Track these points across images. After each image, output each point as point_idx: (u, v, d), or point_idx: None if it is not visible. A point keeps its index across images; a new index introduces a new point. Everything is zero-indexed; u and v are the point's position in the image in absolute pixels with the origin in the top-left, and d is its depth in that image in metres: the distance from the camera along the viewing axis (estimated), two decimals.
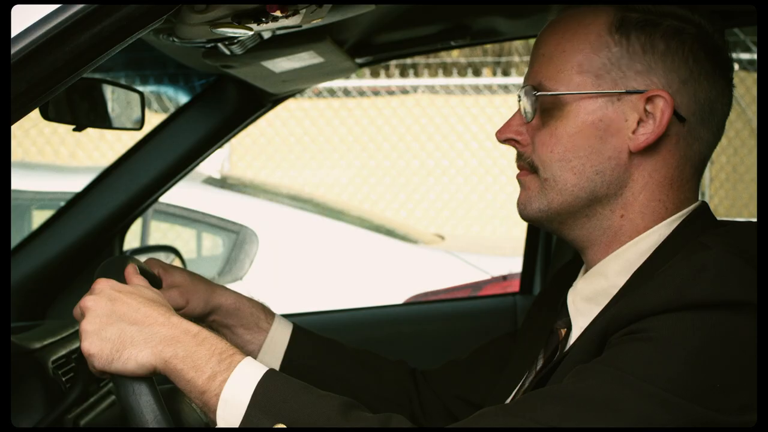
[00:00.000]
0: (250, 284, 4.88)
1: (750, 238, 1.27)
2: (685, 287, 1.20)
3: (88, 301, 1.27)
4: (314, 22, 1.39)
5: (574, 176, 1.36)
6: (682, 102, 1.34)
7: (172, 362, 1.24)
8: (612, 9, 1.36)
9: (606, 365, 1.19)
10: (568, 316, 1.40)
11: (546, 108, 1.37)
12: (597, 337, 1.26)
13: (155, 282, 1.56)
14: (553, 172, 1.37)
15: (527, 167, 1.41)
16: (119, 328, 1.25)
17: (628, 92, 1.34)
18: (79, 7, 1.10)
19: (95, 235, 2.40)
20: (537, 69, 1.40)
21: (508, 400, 1.43)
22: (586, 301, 1.38)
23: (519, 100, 1.41)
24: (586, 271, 1.42)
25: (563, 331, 1.40)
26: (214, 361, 1.25)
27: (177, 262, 2.63)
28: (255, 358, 1.49)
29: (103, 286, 1.29)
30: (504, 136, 1.42)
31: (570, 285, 1.44)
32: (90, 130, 1.98)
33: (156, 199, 2.47)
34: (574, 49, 1.36)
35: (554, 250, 2.79)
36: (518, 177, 1.43)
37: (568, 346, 1.37)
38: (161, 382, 1.36)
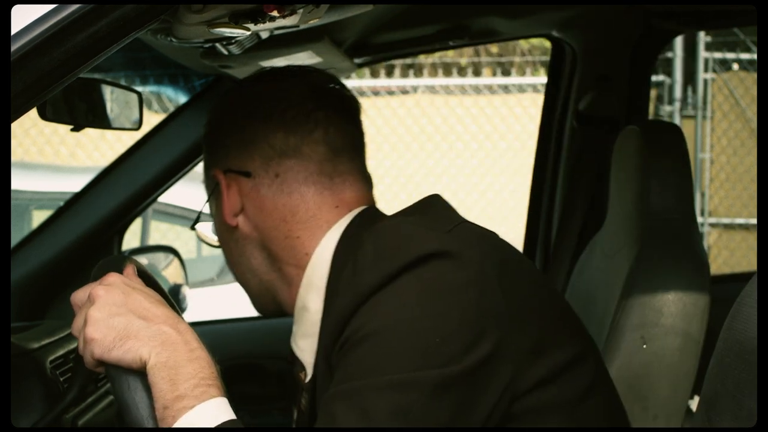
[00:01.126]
0: None
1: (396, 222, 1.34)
2: (360, 276, 1.24)
3: (100, 290, 1.27)
4: (312, 22, 1.39)
5: (235, 269, 1.55)
6: (241, 159, 1.47)
7: (158, 367, 1.24)
8: None
9: (339, 384, 1.21)
10: (300, 359, 1.45)
11: None
12: (323, 366, 1.31)
13: (153, 285, 1.56)
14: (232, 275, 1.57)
15: None
16: (127, 319, 1.25)
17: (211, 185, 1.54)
18: (75, 6, 1.10)
19: (94, 235, 2.41)
20: None
21: None
22: (304, 337, 1.43)
23: None
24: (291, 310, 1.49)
25: (303, 374, 1.45)
26: (191, 383, 1.23)
27: (176, 262, 2.63)
28: None
29: (116, 279, 1.30)
30: None
31: None
32: (90, 130, 1.98)
33: (155, 199, 2.47)
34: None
35: (553, 250, 2.79)
36: None
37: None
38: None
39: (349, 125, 1.52)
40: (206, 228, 1.56)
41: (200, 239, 1.60)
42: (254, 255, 1.48)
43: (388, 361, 1.18)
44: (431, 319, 1.19)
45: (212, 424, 1.21)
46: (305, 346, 1.43)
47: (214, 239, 1.56)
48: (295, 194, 1.44)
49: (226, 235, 1.51)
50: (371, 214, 1.45)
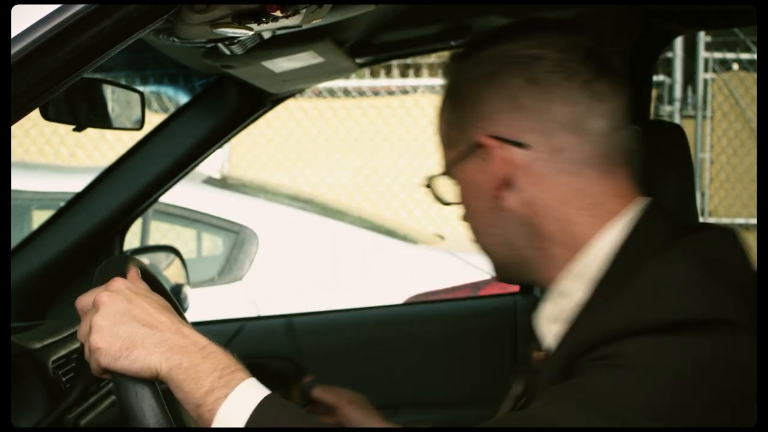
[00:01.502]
0: (250, 284, 4.88)
1: (720, 246, 1.27)
2: (649, 307, 1.18)
3: (104, 297, 1.27)
4: (314, 22, 1.39)
5: (486, 239, 1.40)
6: (515, 128, 1.32)
7: (175, 371, 1.24)
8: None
9: (578, 390, 1.17)
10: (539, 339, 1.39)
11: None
12: (563, 361, 1.25)
13: (157, 286, 1.56)
14: (475, 239, 1.43)
15: None
16: (132, 327, 1.25)
17: (467, 146, 1.36)
18: (79, 7, 1.10)
19: (95, 235, 2.41)
20: None
21: None
22: (552, 321, 1.36)
23: None
24: (546, 286, 1.40)
25: (540, 354, 1.39)
26: (215, 376, 1.23)
27: (177, 262, 2.63)
28: None
29: (121, 285, 1.29)
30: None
31: None
32: (90, 130, 1.98)
33: (156, 199, 2.47)
34: (442, 117, 1.43)
35: None
36: None
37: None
38: (161, 382, 1.36)
39: (623, 94, 1.37)
40: (443, 184, 1.41)
41: (432, 194, 1.43)
42: (515, 230, 1.34)
43: (638, 403, 1.14)
44: (697, 388, 1.15)
45: (253, 406, 1.21)
46: (551, 330, 1.34)
47: (448, 198, 1.42)
48: (580, 176, 1.31)
49: (481, 204, 1.36)
50: (663, 215, 1.35)
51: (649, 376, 1.15)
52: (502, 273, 1.42)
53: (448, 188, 1.40)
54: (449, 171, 1.40)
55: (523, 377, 1.42)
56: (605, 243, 1.31)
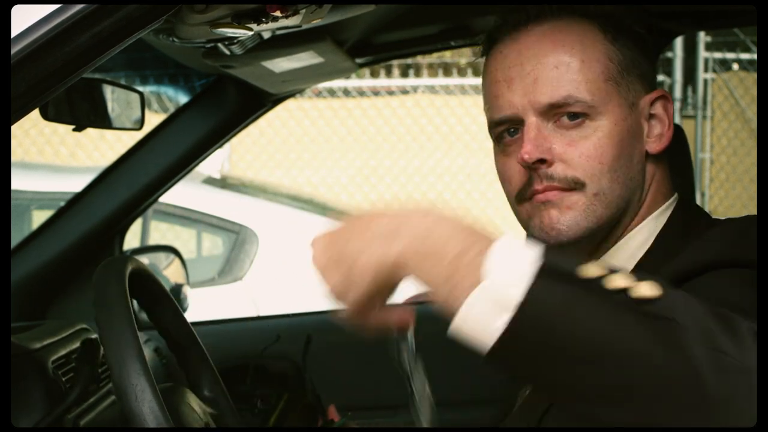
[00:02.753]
0: (250, 284, 4.88)
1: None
2: (736, 246, 1.21)
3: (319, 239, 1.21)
4: (314, 22, 1.39)
5: (620, 186, 1.36)
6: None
7: (408, 252, 1.05)
8: (595, 19, 1.39)
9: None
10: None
11: (581, 120, 1.35)
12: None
13: (155, 285, 1.56)
14: (602, 186, 1.34)
15: (563, 185, 1.35)
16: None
17: (637, 96, 1.39)
18: (79, 7, 1.10)
19: (95, 235, 2.41)
20: (556, 80, 1.36)
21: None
22: (628, 259, 1.39)
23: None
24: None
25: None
26: (460, 237, 1.01)
27: (177, 262, 2.63)
28: None
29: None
30: (536, 157, 1.35)
31: None
32: (90, 130, 1.98)
33: (156, 199, 2.47)
34: (593, 59, 1.36)
35: None
36: (549, 198, 1.36)
37: None
38: (160, 381, 1.36)
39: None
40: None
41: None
42: (636, 191, 1.39)
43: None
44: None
45: (534, 251, 0.98)
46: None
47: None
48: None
49: (631, 151, 1.38)
50: (691, 203, 1.48)
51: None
52: (599, 230, 1.37)
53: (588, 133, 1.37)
54: (593, 117, 1.36)
55: None
56: (644, 232, 1.39)
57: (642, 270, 1.33)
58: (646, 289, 0.95)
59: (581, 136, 1.35)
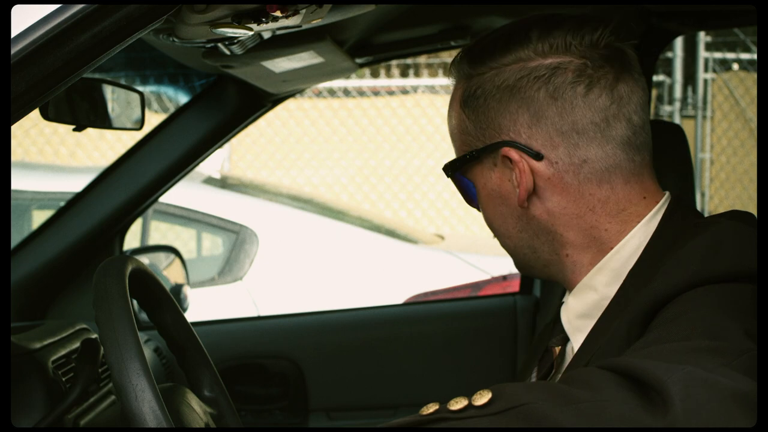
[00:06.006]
0: (250, 284, 4.88)
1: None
2: (708, 262, 1.18)
3: None
4: (314, 22, 1.39)
5: (509, 240, 1.39)
6: (541, 142, 1.31)
7: None
8: (463, 82, 1.38)
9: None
10: (563, 333, 1.39)
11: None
12: (612, 348, 1.23)
13: (155, 285, 1.56)
14: (498, 241, 1.42)
15: None
16: None
17: (494, 157, 1.35)
18: (79, 7, 1.10)
19: (95, 235, 2.41)
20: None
21: None
22: (581, 317, 1.35)
23: None
24: (571, 289, 1.39)
25: (557, 349, 1.39)
26: None
27: (177, 262, 2.63)
28: None
29: None
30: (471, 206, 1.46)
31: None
32: (90, 130, 1.98)
33: (156, 199, 2.47)
34: (453, 132, 1.41)
35: None
36: None
37: (564, 361, 1.37)
38: (160, 381, 1.36)
39: (642, 93, 1.34)
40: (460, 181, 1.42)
41: (458, 190, 1.45)
42: (538, 236, 1.35)
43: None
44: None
45: None
46: (581, 325, 1.34)
47: (469, 197, 1.43)
48: (606, 185, 1.31)
49: (503, 209, 1.37)
50: (684, 207, 1.35)
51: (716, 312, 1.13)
52: (525, 271, 1.43)
53: (464, 186, 1.41)
54: (465, 172, 1.40)
55: (540, 371, 1.41)
56: (634, 242, 1.32)
57: (634, 278, 1.30)
58: (481, 397, 1.05)
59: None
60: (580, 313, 1.36)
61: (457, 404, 1.06)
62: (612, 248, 1.33)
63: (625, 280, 1.31)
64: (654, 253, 1.30)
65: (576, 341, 1.35)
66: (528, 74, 1.31)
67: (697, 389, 1.00)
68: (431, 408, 1.07)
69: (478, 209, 1.42)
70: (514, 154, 1.32)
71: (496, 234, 1.41)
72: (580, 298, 1.36)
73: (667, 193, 1.37)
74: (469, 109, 1.36)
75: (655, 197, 1.35)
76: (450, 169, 1.40)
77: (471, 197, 1.41)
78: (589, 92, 1.30)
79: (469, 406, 1.05)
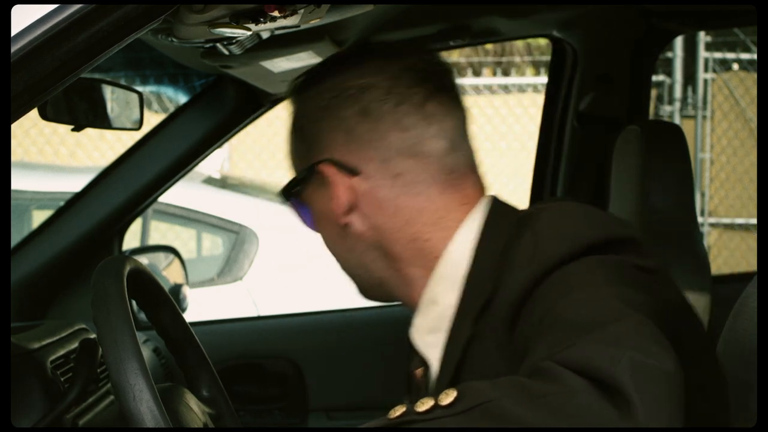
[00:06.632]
0: (250, 284, 4.88)
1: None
2: (556, 244, 1.20)
3: None
4: (313, 22, 1.39)
5: (343, 262, 1.43)
6: (354, 156, 1.35)
7: None
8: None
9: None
10: (419, 354, 1.38)
11: None
12: (482, 347, 1.24)
13: (157, 287, 1.56)
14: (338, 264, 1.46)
15: None
16: None
17: (311, 176, 1.39)
18: (76, 7, 1.10)
19: (95, 235, 2.41)
20: None
21: None
22: (431, 332, 1.35)
23: None
24: (413, 307, 1.40)
25: (419, 372, 1.38)
26: None
27: (177, 262, 2.63)
28: None
29: None
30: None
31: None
32: (90, 130, 1.98)
33: (156, 199, 2.47)
34: (287, 147, 1.46)
35: None
36: None
37: (431, 381, 1.35)
38: (159, 381, 1.36)
39: (459, 110, 1.40)
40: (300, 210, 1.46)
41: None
42: (367, 253, 1.38)
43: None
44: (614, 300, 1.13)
45: None
46: (433, 341, 1.34)
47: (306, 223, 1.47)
48: (421, 196, 1.35)
49: (331, 229, 1.41)
50: (504, 205, 1.37)
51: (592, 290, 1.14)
52: (366, 294, 1.46)
53: (300, 210, 1.45)
54: (299, 196, 1.44)
55: (410, 397, 1.42)
56: (460, 246, 1.33)
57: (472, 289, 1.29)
58: (447, 397, 1.06)
59: None
60: (428, 329, 1.36)
61: (424, 405, 1.06)
62: (438, 256, 1.34)
63: (464, 287, 1.31)
64: (486, 255, 1.30)
65: (433, 357, 1.35)
66: (339, 93, 1.37)
67: (641, 376, 1.02)
68: (399, 411, 1.08)
69: (319, 232, 1.45)
70: (329, 170, 1.36)
71: (334, 258, 1.45)
72: (424, 314, 1.36)
73: (487, 197, 1.38)
74: (295, 134, 1.43)
75: (475, 202, 1.37)
76: (284, 195, 1.45)
77: (307, 221, 1.45)
78: (398, 108, 1.35)
79: (436, 406, 1.05)
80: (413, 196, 1.35)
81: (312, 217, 1.44)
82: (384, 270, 1.39)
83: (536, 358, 1.09)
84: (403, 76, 1.36)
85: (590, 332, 1.08)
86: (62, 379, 1.62)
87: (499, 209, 1.36)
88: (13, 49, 1.09)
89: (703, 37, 7.82)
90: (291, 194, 1.45)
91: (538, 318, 1.16)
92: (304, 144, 1.41)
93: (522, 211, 1.35)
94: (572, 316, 1.12)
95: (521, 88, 8.63)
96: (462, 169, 1.37)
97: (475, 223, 1.34)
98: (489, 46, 8.41)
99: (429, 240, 1.35)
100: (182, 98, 7.51)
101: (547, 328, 1.14)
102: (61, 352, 1.69)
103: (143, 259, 2.50)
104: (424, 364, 1.38)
